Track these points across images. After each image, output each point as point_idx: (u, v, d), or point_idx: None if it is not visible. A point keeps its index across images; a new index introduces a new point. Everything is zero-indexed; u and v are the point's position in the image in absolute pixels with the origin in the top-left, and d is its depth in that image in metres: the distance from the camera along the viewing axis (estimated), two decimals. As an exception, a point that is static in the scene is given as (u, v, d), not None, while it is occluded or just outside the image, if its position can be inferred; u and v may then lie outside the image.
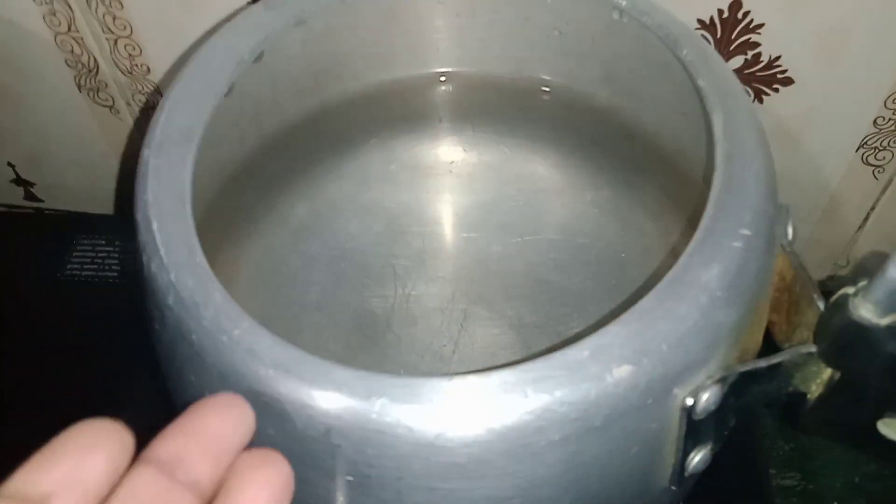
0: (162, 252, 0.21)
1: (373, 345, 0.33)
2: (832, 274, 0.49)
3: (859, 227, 0.46)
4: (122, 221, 0.51)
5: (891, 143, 0.41)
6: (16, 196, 0.55)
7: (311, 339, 0.33)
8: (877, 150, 0.41)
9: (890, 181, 0.43)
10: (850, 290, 0.19)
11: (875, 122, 0.40)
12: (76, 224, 0.51)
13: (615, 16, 0.28)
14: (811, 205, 0.45)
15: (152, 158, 0.23)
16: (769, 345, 0.24)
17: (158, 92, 0.46)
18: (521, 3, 0.31)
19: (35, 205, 0.56)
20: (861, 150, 0.41)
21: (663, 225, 0.34)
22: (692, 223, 0.33)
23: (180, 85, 0.25)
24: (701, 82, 0.24)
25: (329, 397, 0.19)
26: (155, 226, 0.21)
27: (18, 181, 0.54)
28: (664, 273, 0.31)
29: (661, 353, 0.19)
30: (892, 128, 0.40)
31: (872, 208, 0.45)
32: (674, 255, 0.34)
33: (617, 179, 0.35)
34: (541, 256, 0.34)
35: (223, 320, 0.20)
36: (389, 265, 0.35)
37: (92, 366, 0.42)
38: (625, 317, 0.20)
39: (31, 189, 0.55)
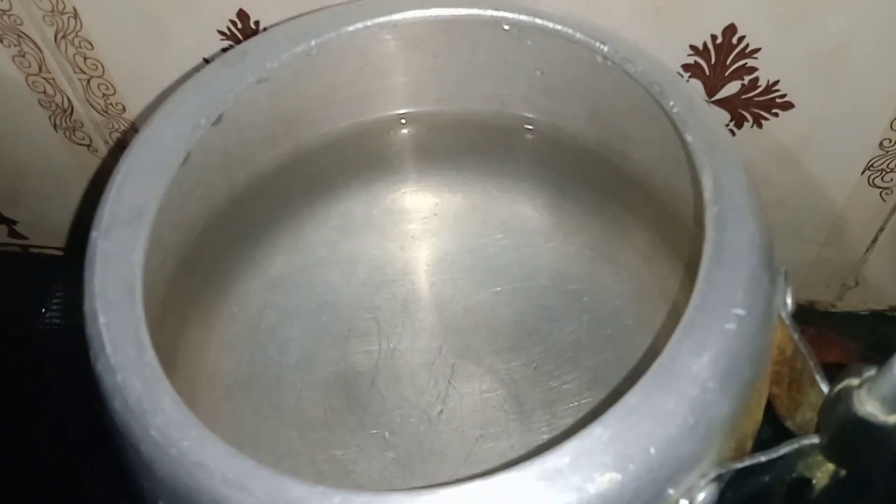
0: (108, 350, 0.19)
1: (356, 406, 0.31)
2: (840, 296, 0.48)
3: (868, 248, 0.44)
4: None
5: (898, 165, 0.39)
6: (0, 233, 0.55)
7: (291, 401, 0.31)
8: (884, 173, 0.40)
9: (899, 203, 0.41)
10: (855, 381, 0.17)
11: (881, 144, 0.38)
12: (59, 269, 0.50)
13: (598, 59, 0.26)
14: (815, 226, 0.44)
15: (100, 242, 0.21)
16: (770, 416, 0.23)
17: (135, 129, 0.45)
18: (500, 44, 0.29)
19: (21, 242, 0.55)
20: (867, 173, 0.40)
21: (658, 268, 0.32)
22: (689, 267, 0.32)
23: (129, 159, 0.23)
24: (689, 137, 0.23)
25: (285, 516, 0.17)
26: (101, 320, 0.20)
27: (1, 219, 0.53)
28: (658, 321, 0.30)
29: (648, 457, 0.17)
30: (900, 151, 0.38)
31: (881, 229, 0.43)
32: (669, 301, 0.33)
33: (608, 220, 0.33)
34: (531, 305, 0.33)
35: (172, 430, 0.18)
36: (373, 318, 0.33)
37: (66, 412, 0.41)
38: (608, 415, 0.18)
39: (14, 227, 0.54)
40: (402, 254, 0.35)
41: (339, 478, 0.30)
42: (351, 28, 0.27)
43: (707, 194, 0.21)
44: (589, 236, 0.33)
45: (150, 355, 0.19)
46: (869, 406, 0.17)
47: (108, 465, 0.38)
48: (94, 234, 0.22)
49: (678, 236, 0.30)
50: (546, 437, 0.30)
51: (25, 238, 0.55)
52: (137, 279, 0.21)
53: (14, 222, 0.54)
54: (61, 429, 0.41)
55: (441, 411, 0.31)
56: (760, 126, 0.38)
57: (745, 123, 0.38)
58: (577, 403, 0.31)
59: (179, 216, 0.26)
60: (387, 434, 0.31)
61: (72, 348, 0.43)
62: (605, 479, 0.17)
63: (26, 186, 0.50)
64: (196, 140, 0.24)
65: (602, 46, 0.25)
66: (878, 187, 0.40)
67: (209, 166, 0.27)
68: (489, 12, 0.27)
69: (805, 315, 0.48)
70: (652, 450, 0.17)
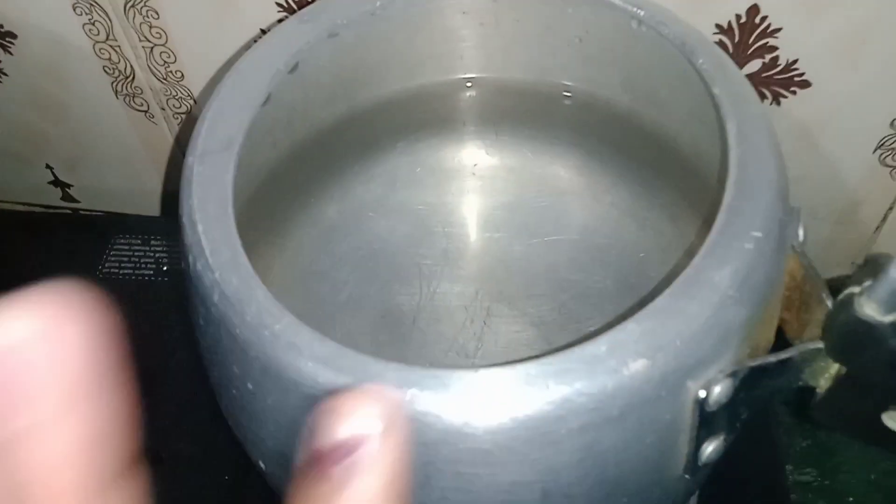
0: (207, 253, 0.22)
1: (400, 341, 0.34)
2: (850, 273, 0.50)
3: (877, 228, 0.46)
4: (158, 222, 0.53)
5: (908, 145, 0.41)
6: (53, 197, 0.57)
7: (342, 336, 0.34)
8: (894, 152, 0.42)
9: (907, 182, 0.43)
10: (856, 289, 0.20)
11: (892, 123, 0.40)
12: (113, 225, 0.53)
13: (634, 25, 0.29)
14: (829, 205, 0.46)
15: (196, 165, 0.25)
16: (781, 341, 0.25)
17: (191, 97, 0.48)
18: (543, 12, 0.32)
19: (72, 205, 0.58)
20: (878, 152, 0.42)
21: (681, 226, 0.35)
22: (708, 224, 0.34)
23: (221, 95, 0.26)
24: (716, 90, 0.25)
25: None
26: (200, 228, 0.23)
27: (56, 183, 0.56)
28: (681, 272, 0.33)
29: (674, 349, 0.20)
30: (910, 130, 0.40)
31: (890, 209, 0.45)
32: (690, 255, 0.35)
33: (636, 182, 0.36)
34: (561, 256, 0.36)
35: (265, 316, 0.21)
36: (416, 264, 0.36)
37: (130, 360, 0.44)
38: (640, 314, 0.21)
39: (68, 190, 0.57)
40: (442, 208, 0.38)
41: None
42: (411, -7, 0.30)
43: (731, 138, 0.24)
44: (617, 196, 0.36)
45: (243, 257, 0.22)
46: (868, 308, 0.20)
47: (171, 402, 0.40)
48: (189, 159, 0.25)
49: (701, 196, 0.33)
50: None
51: (78, 202, 0.58)
52: (229, 196, 0.24)
53: (69, 186, 0.57)
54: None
55: (477, 348, 0.34)
56: (779, 104, 0.41)
57: (765, 100, 0.40)
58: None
59: (253, 156, 0.29)
60: (427, 366, 0.33)
61: (131, 295, 0.46)
62: (638, 364, 0.20)
63: (85, 151, 0.53)
64: (276, 84, 0.27)
65: (639, 11, 0.28)
66: (889, 166, 0.42)
67: (279, 116, 0.30)
68: (536, -19, 0.30)
69: (846, 286, 0.51)
70: (678, 342, 0.20)
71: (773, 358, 0.21)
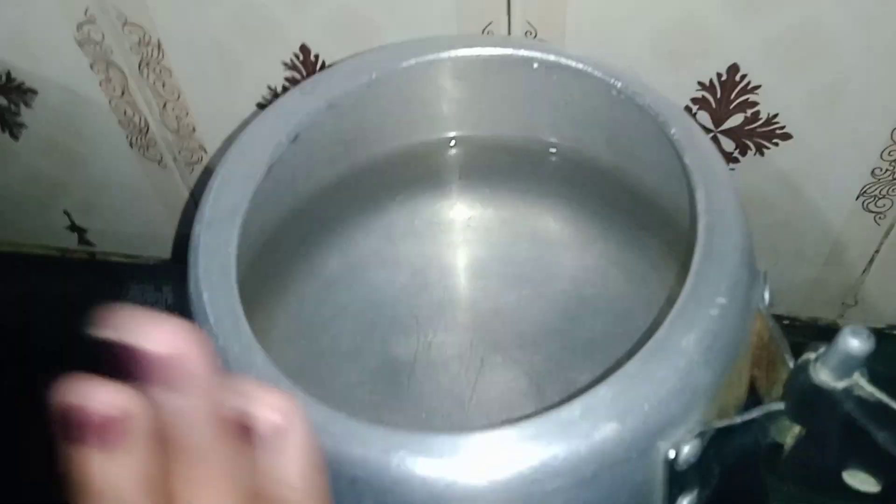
0: (212, 321, 0.24)
1: (398, 390, 0.36)
2: (841, 313, 0.51)
3: (864, 270, 0.47)
4: (169, 267, 0.55)
5: (890, 192, 0.42)
6: (71, 241, 0.59)
7: (342, 386, 0.36)
8: (876, 198, 0.43)
9: (891, 226, 0.44)
10: (812, 355, 0.21)
11: (873, 172, 0.42)
12: (127, 271, 0.55)
13: (612, 92, 0.31)
14: (816, 248, 0.47)
15: (202, 234, 0.26)
16: (755, 396, 0.27)
17: (203, 148, 0.50)
18: (530, 79, 0.34)
19: (88, 249, 0.60)
20: (861, 198, 0.43)
21: (664, 275, 0.36)
22: (686, 275, 0.36)
23: (226, 167, 0.28)
24: (686, 160, 0.27)
25: (354, 452, 0.22)
26: (205, 297, 0.25)
27: (73, 227, 0.58)
28: (663, 321, 0.34)
29: (643, 412, 0.22)
30: (890, 178, 0.42)
31: (877, 251, 0.46)
32: (672, 303, 0.37)
33: (622, 233, 0.37)
34: (552, 306, 0.37)
35: (264, 381, 0.23)
36: (413, 315, 0.38)
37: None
38: (611, 379, 0.22)
39: (84, 234, 0.59)
40: (439, 260, 0.39)
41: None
42: (404, 64, 0.32)
43: (700, 206, 0.26)
44: (605, 246, 0.38)
45: (245, 325, 0.24)
46: (822, 374, 0.21)
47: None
48: (197, 227, 0.27)
49: (681, 246, 0.35)
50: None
51: (93, 245, 0.60)
52: (232, 265, 0.26)
53: (85, 230, 0.59)
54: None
55: (471, 397, 0.36)
56: (763, 154, 0.42)
57: (749, 151, 0.42)
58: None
59: (258, 220, 0.31)
60: (424, 415, 0.35)
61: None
62: (609, 428, 0.22)
63: (100, 198, 0.55)
64: (278, 155, 0.29)
65: (616, 82, 0.30)
66: (872, 212, 0.44)
67: (283, 179, 0.32)
68: (522, 52, 0.32)
69: (808, 331, 0.52)
70: (646, 406, 0.22)
71: (738, 419, 0.23)
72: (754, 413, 0.23)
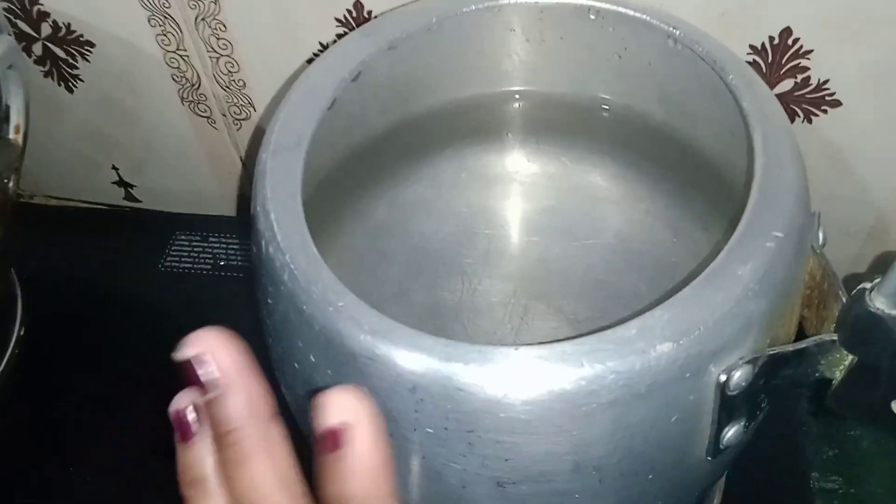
0: (279, 238, 0.25)
1: (442, 333, 0.36)
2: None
3: (909, 244, 0.47)
4: (216, 220, 0.56)
5: (938, 164, 0.42)
6: (116, 196, 0.60)
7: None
8: (924, 174, 0.43)
9: (938, 201, 0.44)
10: (867, 285, 0.22)
11: (922, 142, 0.41)
12: (173, 222, 0.56)
13: (670, 43, 0.32)
14: (859, 222, 0.47)
15: (269, 160, 0.27)
16: (802, 338, 0.27)
17: (251, 105, 0.50)
18: (585, 31, 0.34)
19: (134, 205, 0.61)
20: (910, 170, 0.43)
21: (712, 233, 0.37)
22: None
23: (292, 99, 0.29)
24: (744, 104, 0.28)
25: (416, 359, 0.23)
26: (273, 216, 0.26)
27: (120, 183, 0.59)
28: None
29: (698, 334, 0.22)
30: (939, 150, 0.41)
31: (921, 228, 0.46)
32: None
33: (670, 191, 0.38)
34: (597, 259, 0.38)
35: (330, 294, 0.24)
36: (458, 263, 0.38)
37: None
38: (668, 303, 0.23)
39: (131, 190, 0.60)
40: (485, 212, 0.40)
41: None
42: (465, 10, 0.33)
43: (757, 147, 0.26)
44: (652, 204, 0.38)
45: (310, 243, 0.25)
46: (878, 302, 0.22)
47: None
48: (263, 155, 0.28)
49: (731, 205, 0.35)
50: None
51: (140, 202, 0.61)
52: (298, 189, 0.27)
53: (132, 186, 0.60)
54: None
55: (514, 343, 0.36)
56: (811, 122, 0.42)
57: (797, 118, 0.42)
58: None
59: (314, 157, 0.32)
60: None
61: (190, 288, 0.49)
62: (664, 347, 0.22)
63: (149, 154, 0.56)
64: (341, 91, 0.30)
65: (674, 30, 0.31)
66: (919, 186, 0.44)
67: (341, 119, 0.33)
68: (580, 1, 0.33)
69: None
70: (700, 329, 0.22)
71: (790, 347, 0.23)
72: (808, 342, 0.23)
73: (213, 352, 0.19)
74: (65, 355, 0.48)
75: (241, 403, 0.19)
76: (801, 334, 0.27)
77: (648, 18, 0.31)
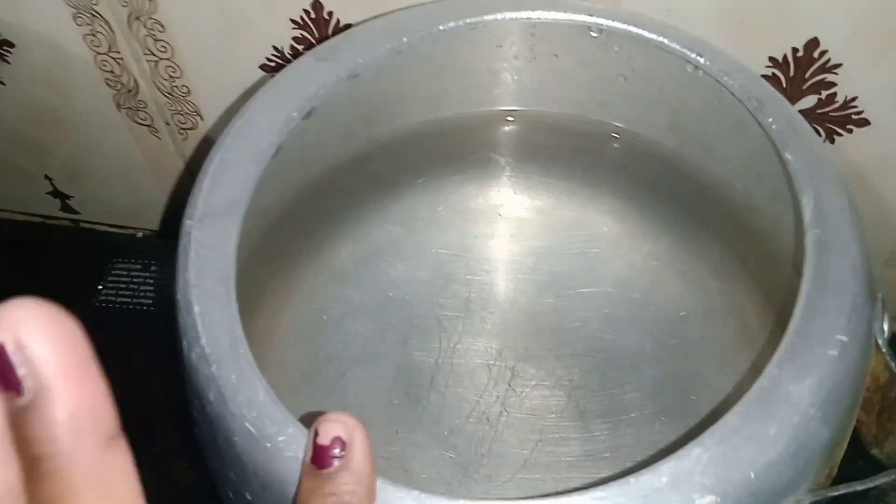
0: (203, 341, 0.20)
1: (416, 403, 0.31)
2: (897, 318, 0.47)
3: (927, 272, 0.44)
4: (158, 244, 0.51)
5: (966, 192, 0.38)
6: (52, 208, 0.56)
7: (353, 396, 0.31)
8: (951, 199, 0.39)
9: (962, 230, 0.40)
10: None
11: (952, 168, 0.38)
12: (112, 244, 0.51)
13: (689, 69, 0.26)
14: (878, 246, 0.43)
15: (195, 232, 0.22)
16: (856, 444, 0.22)
17: (198, 113, 0.46)
18: (584, 49, 0.29)
19: (72, 216, 0.56)
20: (934, 196, 0.39)
21: (726, 282, 0.32)
22: (762, 285, 0.31)
23: (225, 148, 0.23)
24: (788, 155, 0.22)
25: (380, 518, 0.17)
26: (196, 310, 0.20)
27: (55, 194, 0.54)
28: (724, 335, 0.30)
29: (748, 482, 0.17)
30: (969, 177, 0.37)
31: (944, 253, 0.42)
32: (736, 315, 0.32)
33: (678, 230, 0.33)
34: (594, 311, 0.33)
35: (268, 424, 0.18)
36: (435, 316, 0.33)
37: (123, 393, 0.42)
38: (706, 437, 0.18)
39: (68, 202, 0.55)
40: (465, 253, 0.35)
41: (398, 474, 0.30)
42: (441, 27, 0.27)
43: (807, 216, 0.21)
44: (657, 245, 0.33)
45: (245, 348, 0.19)
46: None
47: (161, 450, 0.38)
48: (187, 223, 0.22)
49: (753, 251, 0.30)
50: (607, 445, 0.30)
51: (78, 213, 0.56)
52: (231, 271, 0.21)
53: (69, 197, 0.55)
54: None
55: (501, 413, 0.31)
56: (833, 142, 0.38)
57: (819, 138, 0.38)
58: (638, 414, 0.31)
59: (260, 207, 0.26)
60: (446, 433, 0.31)
61: (129, 326, 0.44)
62: (705, 502, 0.17)
63: (85, 163, 0.51)
64: (287, 133, 0.24)
65: (698, 57, 0.25)
66: (945, 211, 0.40)
67: (291, 160, 0.27)
68: (579, 16, 0.27)
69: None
70: (752, 475, 0.17)
71: (859, 486, 0.18)
72: (879, 480, 0.18)
73: (25, 336, 0.13)
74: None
75: (66, 415, 0.13)
76: (855, 438, 0.22)
77: (664, 41, 0.26)
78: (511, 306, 0.34)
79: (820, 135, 0.38)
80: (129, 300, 0.45)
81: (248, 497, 0.19)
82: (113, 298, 0.45)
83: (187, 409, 0.22)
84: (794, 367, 0.19)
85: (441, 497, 0.17)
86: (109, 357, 0.41)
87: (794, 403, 0.18)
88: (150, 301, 0.45)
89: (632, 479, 0.17)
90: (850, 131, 0.37)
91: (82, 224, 0.57)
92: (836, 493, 0.18)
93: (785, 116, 0.23)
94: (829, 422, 0.18)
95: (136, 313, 0.44)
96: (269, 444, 0.18)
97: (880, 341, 0.21)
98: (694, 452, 0.18)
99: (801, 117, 0.24)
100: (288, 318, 0.32)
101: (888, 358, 0.20)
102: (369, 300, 0.33)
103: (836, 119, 0.37)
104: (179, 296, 0.21)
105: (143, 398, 0.41)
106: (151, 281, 0.46)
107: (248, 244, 0.27)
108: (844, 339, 0.19)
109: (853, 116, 0.36)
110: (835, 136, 0.38)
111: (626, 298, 0.33)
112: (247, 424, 0.18)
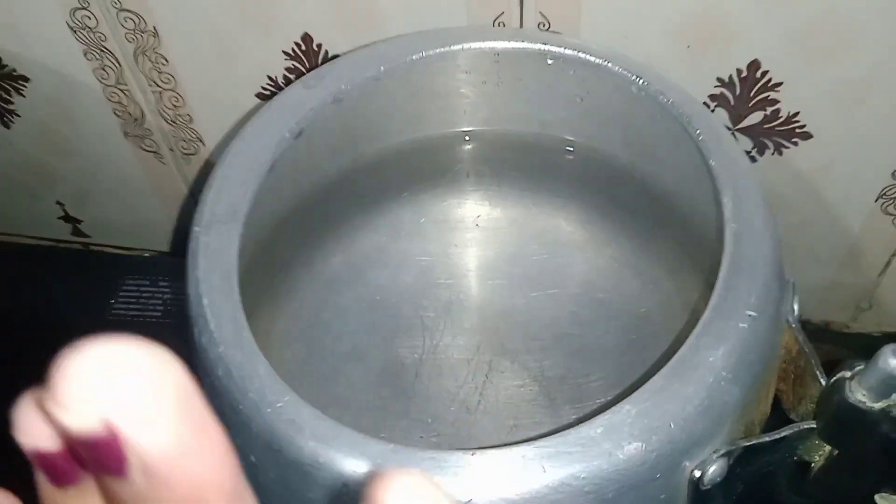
0: (212, 327, 0.23)
1: (403, 394, 0.35)
2: (855, 317, 0.50)
3: (881, 273, 0.46)
4: (166, 261, 0.54)
5: (910, 195, 0.41)
6: (63, 231, 0.58)
7: (344, 389, 0.35)
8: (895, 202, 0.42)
9: (910, 230, 0.43)
10: (847, 373, 0.20)
11: (893, 174, 0.41)
12: (122, 264, 0.54)
13: (633, 90, 0.30)
14: (832, 250, 0.46)
15: (202, 236, 0.25)
16: (778, 411, 0.25)
17: (200, 139, 0.48)
18: (544, 73, 0.33)
19: (82, 240, 0.59)
20: (880, 201, 0.42)
21: (681, 280, 0.35)
22: (708, 280, 0.34)
23: (226, 165, 0.27)
24: (712, 162, 0.26)
25: (363, 468, 0.20)
26: (205, 302, 0.23)
27: (67, 218, 0.57)
28: (679, 328, 0.33)
29: (668, 431, 0.21)
30: (910, 181, 0.41)
31: (894, 254, 0.45)
32: (689, 310, 0.35)
33: (636, 236, 0.36)
34: (562, 310, 0.36)
35: (268, 393, 0.22)
36: (418, 316, 0.36)
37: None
38: (635, 396, 0.21)
39: (79, 226, 0.58)
40: (445, 260, 0.38)
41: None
42: (415, 56, 0.30)
43: (727, 212, 0.25)
44: (618, 249, 0.36)
45: (247, 332, 0.23)
46: (858, 394, 0.20)
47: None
48: (195, 229, 0.26)
49: (699, 250, 0.33)
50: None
51: (88, 236, 0.59)
52: (234, 268, 0.24)
53: (79, 221, 0.57)
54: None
55: (479, 402, 0.34)
56: (781, 153, 0.41)
57: (767, 151, 0.41)
58: (603, 400, 0.34)
59: (258, 219, 0.30)
60: (429, 420, 0.34)
61: (140, 336, 0.47)
62: (632, 448, 0.20)
63: (95, 188, 0.54)
64: (281, 151, 0.28)
65: (638, 80, 0.29)
66: (891, 214, 0.43)
67: (285, 175, 0.30)
68: (537, 45, 0.31)
69: (819, 334, 0.50)
70: (672, 425, 0.21)
71: (767, 437, 0.22)
72: (785, 431, 0.22)
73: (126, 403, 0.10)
74: (5, 402, 0.45)
75: (184, 492, 0.11)
76: (777, 407, 0.26)
77: (610, 65, 0.29)
78: (487, 307, 0.37)
79: (769, 148, 0.41)
80: (138, 313, 0.48)
81: (253, 459, 0.23)
82: (124, 312, 0.48)
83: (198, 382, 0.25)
84: (709, 337, 0.22)
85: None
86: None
87: (708, 367, 0.21)
88: (159, 314, 0.48)
89: (571, 430, 0.21)
90: (796, 144, 0.40)
91: (92, 247, 0.59)
92: (748, 444, 0.22)
93: (711, 128, 0.27)
94: (740, 382, 0.22)
95: (146, 325, 0.47)
96: (269, 410, 0.21)
97: (790, 319, 0.24)
98: (624, 409, 0.21)
99: (723, 128, 0.27)
100: (284, 321, 0.36)
101: (797, 332, 0.24)
102: (358, 303, 0.36)
103: (781, 133, 0.40)
104: (191, 290, 0.24)
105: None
106: (160, 296, 0.49)
107: (247, 251, 0.30)
108: (754, 314, 0.22)
109: (797, 130, 0.40)
110: (782, 149, 0.41)
111: (591, 298, 0.36)
112: (250, 394, 0.22)
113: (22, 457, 0.11)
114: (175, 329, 0.47)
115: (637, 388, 0.22)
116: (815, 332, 0.50)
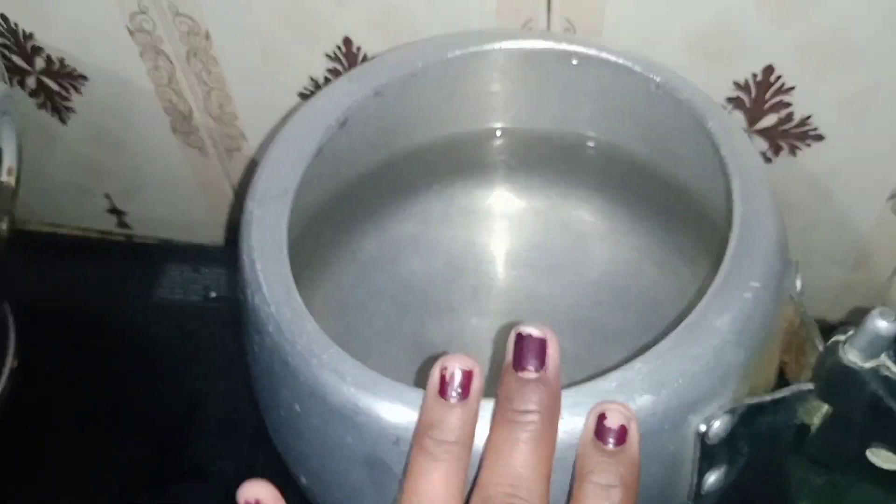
0: (264, 288, 0.26)
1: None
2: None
3: (893, 273, 0.48)
4: (207, 250, 0.56)
5: (920, 196, 0.43)
6: (109, 223, 0.61)
7: (376, 365, 0.37)
8: (907, 202, 0.43)
9: (921, 230, 0.45)
10: (841, 337, 0.22)
11: (904, 175, 0.42)
12: (164, 252, 0.56)
13: (651, 88, 0.32)
14: (844, 250, 0.47)
15: (255, 210, 0.28)
16: (784, 383, 0.27)
17: (243, 136, 0.51)
18: (568, 73, 0.35)
19: (125, 231, 0.61)
20: (892, 201, 0.43)
21: (696, 268, 0.37)
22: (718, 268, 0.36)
23: (278, 146, 0.30)
24: (723, 151, 0.28)
25: (399, 412, 0.23)
26: (259, 266, 0.26)
27: (113, 210, 0.60)
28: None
29: (676, 387, 0.23)
30: (921, 182, 0.42)
31: (905, 254, 0.46)
32: (704, 293, 0.37)
33: (656, 227, 0.38)
34: (583, 296, 0.38)
35: (314, 346, 0.24)
36: (447, 299, 0.39)
37: (177, 381, 0.47)
38: (647, 355, 0.23)
39: (124, 218, 0.60)
40: (473, 247, 0.40)
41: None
42: (451, 55, 0.33)
43: (736, 196, 0.27)
44: (637, 239, 0.38)
45: (296, 293, 0.25)
46: (850, 355, 0.22)
47: (216, 422, 0.43)
48: (249, 203, 0.28)
49: (714, 240, 0.35)
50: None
51: (131, 228, 0.61)
52: (284, 239, 0.27)
53: (124, 213, 0.60)
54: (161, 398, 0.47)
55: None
56: (795, 154, 0.43)
57: (782, 151, 0.43)
58: (620, 380, 0.36)
59: (302, 201, 0.32)
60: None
61: (183, 319, 0.49)
62: (643, 399, 0.22)
63: (141, 182, 0.56)
64: (327, 138, 0.30)
65: (655, 77, 0.31)
66: (902, 214, 0.44)
67: (329, 162, 0.33)
68: (563, 46, 0.33)
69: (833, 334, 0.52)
70: (679, 381, 0.23)
71: (768, 397, 0.24)
72: (784, 392, 0.24)
73: None
74: (58, 387, 0.48)
75: None
76: (782, 379, 0.27)
77: (630, 65, 0.32)
78: (512, 292, 0.39)
79: (783, 149, 0.43)
80: (181, 297, 0.51)
81: (297, 409, 0.25)
82: (168, 295, 0.51)
83: (247, 347, 0.27)
84: (716, 305, 0.24)
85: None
86: (166, 345, 0.47)
87: (714, 331, 0.24)
88: (200, 298, 0.51)
89: (588, 383, 0.23)
90: (809, 145, 0.42)
91: (135, 238, 0.62)
92: (751, 402, 0.24)
93: (721, 121, 0.29)
94: (744, 346, 0.24)
95: (187, 309, 0.50)
96: (315, 360, 0.24)
97: (793, 293, 0.26)
98: (636, 366, 0.23)
99: (733, 121, 0.30)
100: (320, 301, 0.38)
101: (798, 305, 0.26)
102: (390, 286, 0.39)
103: (795, 135, 0.42)
104: (244, 256, 0.27)
105: (195, 378, 0.47)
106: (201, 281, 0.52)
107: (293, 229, 0.33)
108: (757, 285, 0.24)
109: (809, 132, 0.41)
110: (796, 150, 0.42)
111: (612, 284, 0.38)
112: (298, 348, 0.24)
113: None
114: (215, 313, 0.50)
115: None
116: (830, 330, 0.51)
